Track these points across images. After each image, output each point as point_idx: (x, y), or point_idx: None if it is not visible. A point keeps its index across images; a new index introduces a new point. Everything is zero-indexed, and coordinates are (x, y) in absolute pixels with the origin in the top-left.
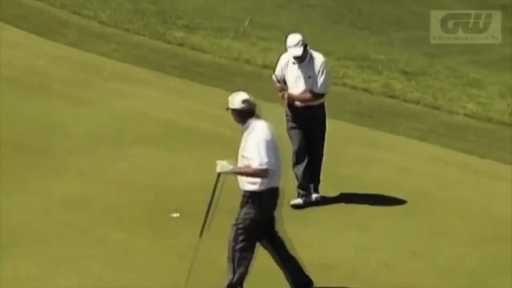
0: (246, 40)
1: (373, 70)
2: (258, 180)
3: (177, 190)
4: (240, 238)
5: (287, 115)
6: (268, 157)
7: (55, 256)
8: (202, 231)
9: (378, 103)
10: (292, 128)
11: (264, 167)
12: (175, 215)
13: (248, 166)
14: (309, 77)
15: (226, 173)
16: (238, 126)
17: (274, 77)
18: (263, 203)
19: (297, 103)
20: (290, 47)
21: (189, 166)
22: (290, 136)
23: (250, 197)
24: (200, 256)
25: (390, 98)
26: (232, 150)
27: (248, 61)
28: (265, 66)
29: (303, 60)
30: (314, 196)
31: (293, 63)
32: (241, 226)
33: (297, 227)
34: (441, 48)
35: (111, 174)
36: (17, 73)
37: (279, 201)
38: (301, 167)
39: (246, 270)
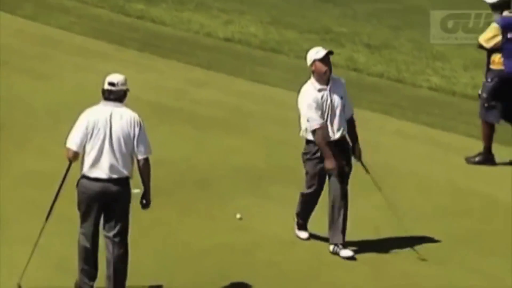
0: (207, 12)
1: (336, 43)
2: (82, 163)
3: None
4: (80, 220)
5: (312, 153)
6: (78, 139)
7: (15, 234)
8: (48, 214)
9: (341, 76)
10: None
11: (67, 146)
12: (136, 191)
13: None
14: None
15: None
16: (199, 100)
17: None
18: (81, 189)
19: (336, 136)
20: (318, 52)
21: (150, 140)
22: (313, 176)
23: None
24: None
25: (353, 72)
26: (193, 124)
27: (209, 34)
28: (227, 39)
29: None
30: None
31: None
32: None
33: (259, 204)
34: (404, 20)
35: None
36: None
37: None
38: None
39: (85, 259)
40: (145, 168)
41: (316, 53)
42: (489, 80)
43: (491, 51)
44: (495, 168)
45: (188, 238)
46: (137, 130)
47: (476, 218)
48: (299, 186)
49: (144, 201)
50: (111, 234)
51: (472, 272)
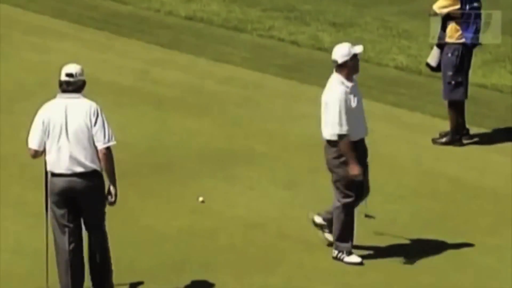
0: None
1: (300, 21)
2: (47, 161)
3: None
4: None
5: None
6: (36, 137)
7: None
8: (47, 206)
9: (306, 56)
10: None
11: (28, 145)
12: None
13: None
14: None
15: None
16: (160, 80)
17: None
18: (50, 186)
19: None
20: (354, 46)
21: (109, 122)
22: (349, 182)
23: None
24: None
25: (318, 51)
26: (154, 105)
27: (170, 13)
28: (188, 18)
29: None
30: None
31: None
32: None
33: (222, 185)
34: None
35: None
36: None
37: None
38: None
39: (62, 257)
40: (105, 158)
41: (352, 47)
42: (449, 55)
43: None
44: (462, 149)
45: (150, 221)
46: (93, 119)
47: (443, 200)
48: (262, 168)
49: (109, 196)
50: (88, 227)
51: (438, 254)
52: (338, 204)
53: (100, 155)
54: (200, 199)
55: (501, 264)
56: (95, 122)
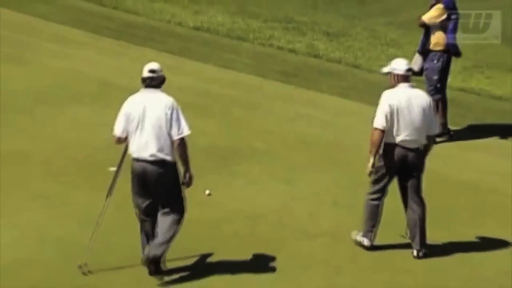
0: (178, 3)
1: (297, 31)
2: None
3: (113, 146)
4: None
5: None
6: (120, 125)
7: None
8: (109, 192)
9: (302, 63)
10: None
11: (113, 132)
12: (112, 169)
13: None
14: None
15: None
16: (171, 85)
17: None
18: (132, 172)
19: None
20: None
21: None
22: None
23: None
24: None
25: (313, 58)
26: None
27: (180, 24)
28: (196, 28)
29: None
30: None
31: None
32: None
33: (226, 180)
34: (360, 10)
35: (49, 131)
36: None
37: (153, 179)
38: None
39: (144, 240)
40: (179, 149)
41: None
42: (435, 61)
43: (429, 31)
44: (443, 147)
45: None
46: (169, 112)
47: (426, 195)
48: (263, 164)
49: (185, 180)
50: (160, 212)
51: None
52: (423, 200)
53: (175, 145)
54: (207, 192)
55: (483, 252)
56: (171, 116)
